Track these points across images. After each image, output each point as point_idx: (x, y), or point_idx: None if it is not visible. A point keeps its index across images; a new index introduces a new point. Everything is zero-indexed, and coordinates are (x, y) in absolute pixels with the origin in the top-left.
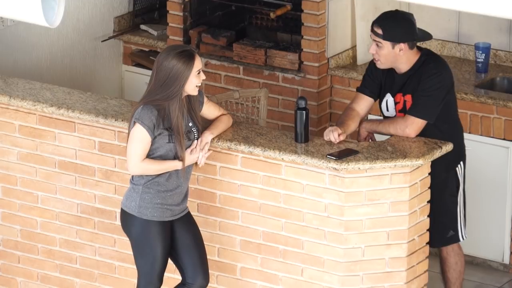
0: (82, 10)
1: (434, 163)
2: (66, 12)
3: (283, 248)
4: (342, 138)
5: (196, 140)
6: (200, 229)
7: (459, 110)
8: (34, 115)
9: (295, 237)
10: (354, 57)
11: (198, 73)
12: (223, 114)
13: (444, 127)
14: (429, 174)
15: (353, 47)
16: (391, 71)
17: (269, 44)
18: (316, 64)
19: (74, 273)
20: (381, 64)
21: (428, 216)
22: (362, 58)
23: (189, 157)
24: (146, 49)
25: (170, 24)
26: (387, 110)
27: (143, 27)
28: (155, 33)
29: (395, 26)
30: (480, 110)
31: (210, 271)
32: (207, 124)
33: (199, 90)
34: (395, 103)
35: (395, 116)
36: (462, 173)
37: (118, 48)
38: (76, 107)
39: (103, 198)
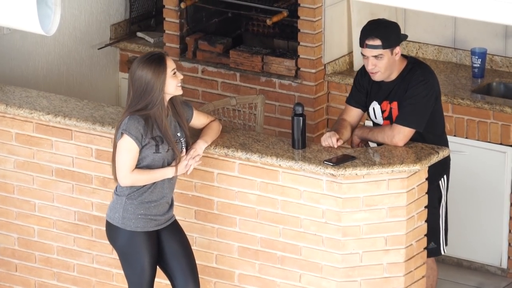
0: (78, 18)
1: None
2: (62, 20)
3: (281, 254)
4: (340, 143)
5: (184, 150)
6: (197, 236)
7: (456, 115)
8: (31, 123)
9: (293, 243)
10: (351, 63)
11: (174, 73)
12: (212, 121)
13: (429, 137)
14: (426, 179)
15: (350, 53)
16: None
17: (265, 50)
18: (313, 70)
19: (72, 281)
20: (381, 75)
21: (425, 221)
22: (359, 64)
23: (182, 168)
24: None
25: (166, 31)
26: (375, 117)
27: (139, 34)
28: (151, 40)
29: (390, 32)
30: (476, 115)
31: (207, 278)
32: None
33: (187, 104)
34: (382, 111)
35: (383, 123)
36: (446, 186)
37: (115, 55)
38: (73, 115)
39: (100, 205)
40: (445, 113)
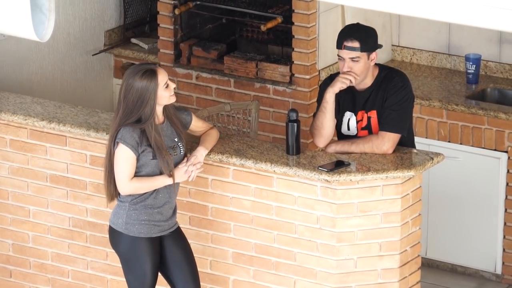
0: (72, 24)
1: None
2: (56, 26)
3: (276, 260)
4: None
5: (182, 153)
6: (192, 242)
7: (450, 121)
8: (25, 129)
9: (288, 249)
10: None
11: (166, 86)
12: (210, 128)
13: (404, 138)
14: (420, 185)
15: None
16: (349, 89)
17: (260, 56)
18: (307, 77)
19: (66, 286)
20: (355, 80)
21: (419, 227)
22: None
23: (182, 175)
24: (137, 63)
25: (161, 38)
26: (348, 129)
27: (134, 40)
28: (146, 46)
29: (369, 36)
30: (471, 121)
31: (202, 283)
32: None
33: (185, 110)
34: (357, 121)
35: (357, 134)
36: None
37: (109, 61)
38: (67, 121)
39: (95, 211)
40: (439, 119)
